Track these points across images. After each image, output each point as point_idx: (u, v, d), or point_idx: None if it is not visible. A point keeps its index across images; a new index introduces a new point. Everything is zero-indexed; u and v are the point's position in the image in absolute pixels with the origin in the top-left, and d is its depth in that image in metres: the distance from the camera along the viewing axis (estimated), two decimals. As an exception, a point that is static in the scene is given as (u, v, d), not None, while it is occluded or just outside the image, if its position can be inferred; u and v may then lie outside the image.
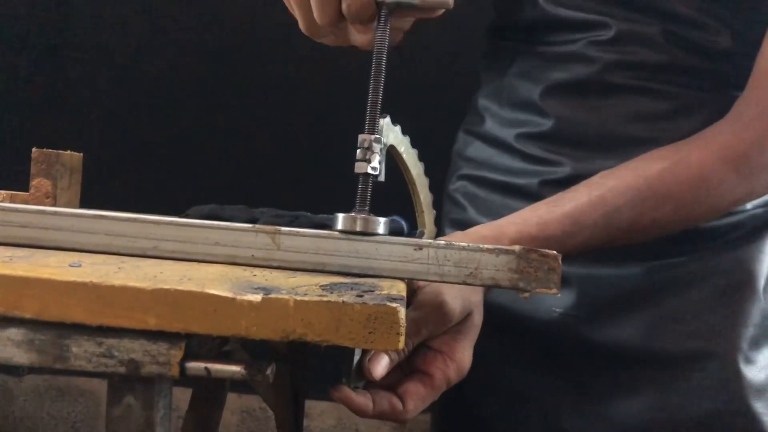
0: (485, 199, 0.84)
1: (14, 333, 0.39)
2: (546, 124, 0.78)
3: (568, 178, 0.75)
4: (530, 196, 0.77)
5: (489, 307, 0.63)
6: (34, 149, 0.67)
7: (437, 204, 0.71)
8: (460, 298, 0.58)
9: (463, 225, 0.82)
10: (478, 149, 0.88)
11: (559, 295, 0.49)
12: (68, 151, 0.69)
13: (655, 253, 0.75)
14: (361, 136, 0.51)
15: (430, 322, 0.57)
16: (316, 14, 0.52)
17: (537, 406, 0.78)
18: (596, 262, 0.75)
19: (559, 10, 0.78)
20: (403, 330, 0.38)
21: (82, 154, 0.72)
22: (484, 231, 0.65)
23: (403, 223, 0.69)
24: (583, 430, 0.76)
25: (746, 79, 0.70)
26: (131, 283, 0.38)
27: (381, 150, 0.51)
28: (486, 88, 0.89)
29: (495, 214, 0.77)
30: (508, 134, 0.82)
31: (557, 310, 0.76)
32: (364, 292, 0.40)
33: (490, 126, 0.86)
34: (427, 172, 0.61)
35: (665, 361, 0.74)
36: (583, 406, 0.76)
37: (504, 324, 0.76)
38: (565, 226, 0.64)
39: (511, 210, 0.72)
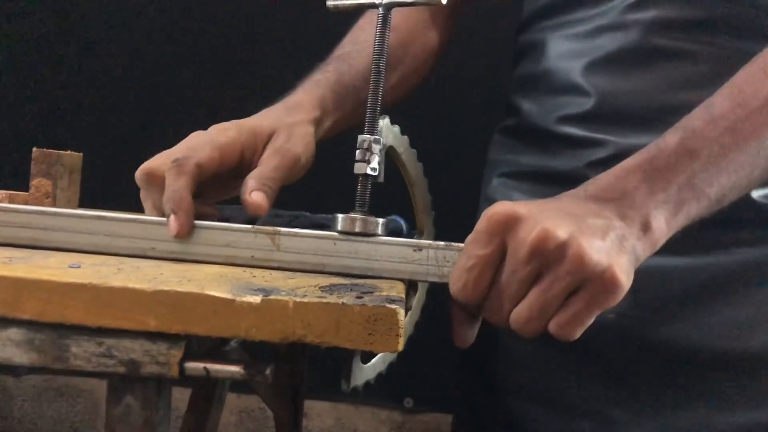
0: (529, 191, 0.79)
1: (14, 333, 0.39)
2: (588, 102, 0.74)
3: (614, 157, 0.67)
4: (576, 180, 0.72)
5: None
6: (34, 149, 0.67)
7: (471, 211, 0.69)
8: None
9: None
10: (515, 146, 0.84)
11: None
12: (68, 151, 0.69)
13: (729, 242, 0.69)
14: (360, 137, 0.51)
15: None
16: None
17: (588, 418, 0.71)
18: (657, 252, 0.72)
19: None
20: (402, 331, 0.38)
21: (81, 154, 0.72)
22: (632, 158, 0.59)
23: (402, 223, 0.69)
24: None
25: None
26: (131, 285, 0.38)
27: (380, 151, 0.52)
28: (519, 83, 0.86)
29: None
30: (548, 120, 0.78)
31: (611, 315, 0.68)
32: (364, 293, 0.40)
33: (528, 116, 0.82)
34: (426, 173, 0.61)
35: (738, 367, 0.67)
36: (641, 419, 0.69)
37: None
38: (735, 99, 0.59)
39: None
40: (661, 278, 0.69)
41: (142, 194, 0.60)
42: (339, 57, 0.76)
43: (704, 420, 0.68)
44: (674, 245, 0.67)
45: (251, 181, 0.60)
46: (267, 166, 0.62)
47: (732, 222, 0.67)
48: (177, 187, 0.55)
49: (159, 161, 0.59)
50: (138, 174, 0.60)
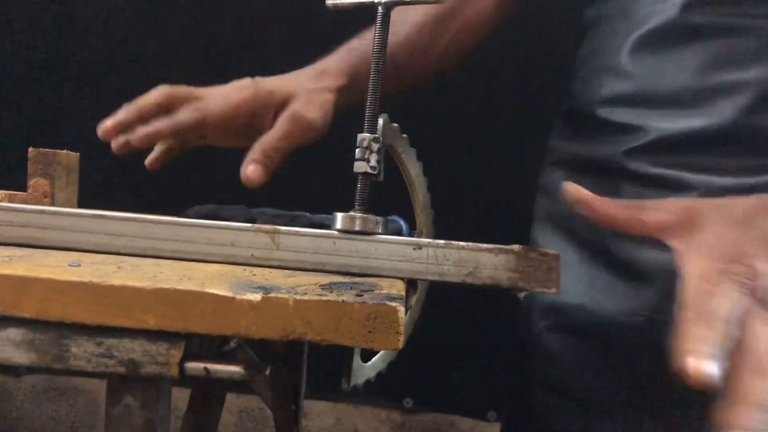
0: (571, 180, 0.77)
1: (14, 333, 0.39)
2: (629, 84, 0.70)
3: (653, 144, 0.66)
4: (614, 170, 0.69)
5: (565, 308, 0.60)
6: (30, 149, 0.67)
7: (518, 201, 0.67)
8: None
9: (553, 218, 0.76)
10: (562, 131, 0.81)
11: (556, 292, 0.47)
12: (65, 151, 0.69)
13: None
14: (359, 136, 0.51)
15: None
16: None
17: (615, 419, 0.69)
18: None
19: None
20: (402, 329, 0.38)
21: (78, 153, 0.71)
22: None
23: (402, 223, 0.69)
24: None
25: None
26: (131, 283, 0.38)
27: (380, 149, 0.51)
28: (577, 63, 0.82)
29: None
30: (590, 103, 0.74)
31: (642, 314, 0.66)
32: (364, 291, 0.40)
33: (576, 98, 0.79)
34: (426, 172, 0.61)
35: None
36: (670, 427, 0.66)
37: (581, 326, 0.69)
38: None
39: (600, 191, 0.68)
40: None
41: (141, 100, 0.67)
42: None
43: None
44: None
45: (253, 152, 0.61)
46: (275, 134, 0.63)
47: None
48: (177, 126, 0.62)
49: (182, 93, 0.66)
50: (162, 88, 0.66)
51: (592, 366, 0.71)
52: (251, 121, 0.65)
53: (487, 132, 0.93)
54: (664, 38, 0.69)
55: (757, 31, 0.66)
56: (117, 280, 0.38)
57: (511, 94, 1.25)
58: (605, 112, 0.72)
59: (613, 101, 0.72)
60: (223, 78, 0.72)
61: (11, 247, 0.49)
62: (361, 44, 0.73)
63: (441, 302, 0.70)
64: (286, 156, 0.64)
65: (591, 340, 0.70)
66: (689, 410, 0.65)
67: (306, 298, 0.38)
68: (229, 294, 0.38)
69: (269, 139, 0.64)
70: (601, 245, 0.70)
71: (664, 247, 0.60)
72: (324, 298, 0.38)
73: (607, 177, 0.69)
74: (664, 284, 0.66)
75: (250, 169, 0.62)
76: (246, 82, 0.66)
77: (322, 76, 0.69)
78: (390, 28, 0.59)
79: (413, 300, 0.62)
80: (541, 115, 0.91)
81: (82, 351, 0.38)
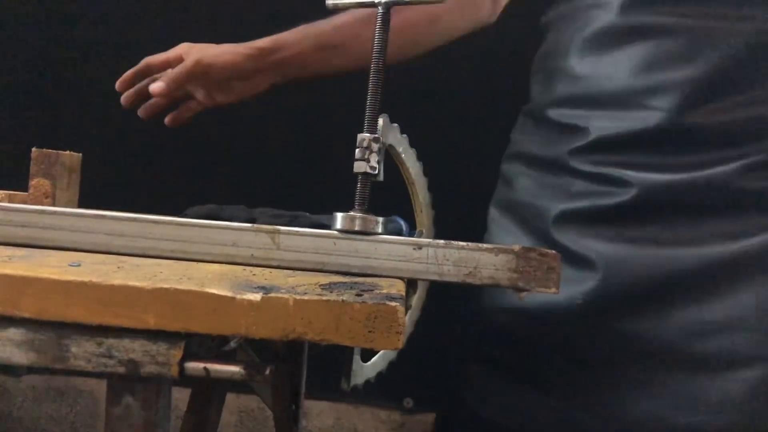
0: (527, 176, 0.80)
1: (14, 333, 0.39)
2: (575, 86, 0.74)
3: (594, 144, 0.70)
4: (562, 168, 0.73)
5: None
6: (33, 149, 0.67)
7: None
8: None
9: (508, 204, 0.81)
10: (521, 127, 0.86)
11: (555, 292, 0.48)
12: (67, 152, 0.69)
13: (705, 235, 0.67)
14: (360, 136, 0.51)
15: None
16: None
17: (547, 394, 0.72)
18: (631, 242, 0.68)
19: None
20: (403, 329, 0.38)
21: (81, 154, 0.71)
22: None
23: (403, 223, 0.69)
24: (592, 428, 0.70)
25: None
26: (131, 283, 0.38)
27: (380, 149, 0.51)
28: (534, 64, 0.86)
29: (533, 194, 0.76)
30: (542, 104, 0.79)
31: (581, 299, 0.69)
32: (364, 291, 0.40)
33: (534, 100, 0.83)
34: (426, 172, 0.61)
35: (695, 368, 0.66)
36: (595, 403, 0.70)
37: (525, 307, 0.72)
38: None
39: (546, 188, 0.73)
40: (629, 268, 0.68)
41: (161, 56, 0.85)
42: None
43: (655, 414, 0.67)
44: (644, 234, 0.67)
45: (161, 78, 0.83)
46: (177, 69, 0.81)
47: (709, 210, 0.66)
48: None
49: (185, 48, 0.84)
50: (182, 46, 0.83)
51: (531, 343, 0.74)
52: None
53: (487, 130, 0.94)
54: (605, 40, 0.72)
55: (686, 32, 0.68)
56: (117, 280, 0.38)
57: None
58: (555, 114, 0.76)
59: (561, 103, 0.76)
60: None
61: (12, 247, 0.49)
62: (312, 25, 0.83)
63: (441, 301, 0.70)
64: (181, 85, 0.81)
65: (532, 320, 0.73)
66: (619, 392, 0.68)
67: (306, 297, 0.38)
68: (229, 294, 0.38)
69: (173, 72, 0.81)
70: (547, 233, 0.74)
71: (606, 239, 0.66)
72: (324, 297, 0.38)
73: (558, 174, 0.74)
74: (602, 272, 0.68)
75: (155, 85, 0.81)
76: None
77: (250, 44, 0.82)
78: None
79: (413, 299, 0.62)
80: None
81: (82, 351, 0.38)
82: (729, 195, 0.66)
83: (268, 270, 0.47)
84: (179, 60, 0.83)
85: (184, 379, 0.38)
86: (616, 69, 0.71)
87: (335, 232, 0.50)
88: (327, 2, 0.57)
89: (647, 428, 0.67)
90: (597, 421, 0.69)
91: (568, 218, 0.72)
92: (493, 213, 0.84)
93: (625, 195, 0.68)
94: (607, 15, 0.72)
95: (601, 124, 0.71)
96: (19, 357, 0.39)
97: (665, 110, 0.67)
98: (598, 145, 0.70)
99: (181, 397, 0.71)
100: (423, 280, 0.56)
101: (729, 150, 0.66)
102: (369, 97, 0.52)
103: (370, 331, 0.37)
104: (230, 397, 1.29)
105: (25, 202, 0.65)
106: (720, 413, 0.65)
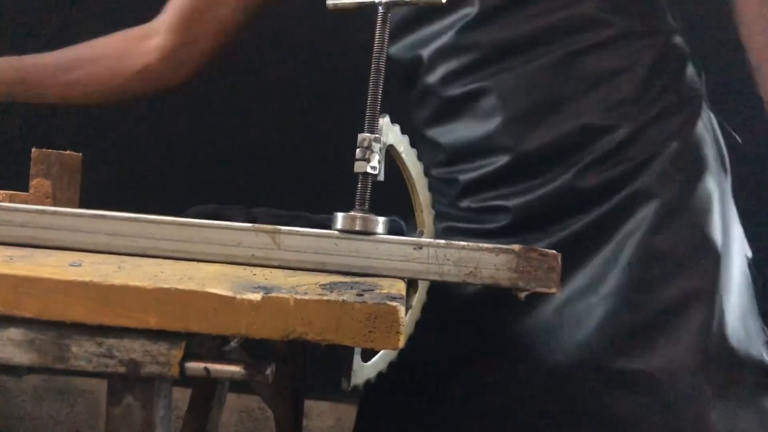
0: (446, 193, 0.81)
1: (14, 333, 0.39)
2: (437, 153, 0.79)
3: (464, 189, 0.76)
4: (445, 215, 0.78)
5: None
6: (33, 149, 0.67)
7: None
8: None
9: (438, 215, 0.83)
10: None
11: (559, 294, 0.49)
12: (68, 152, 0.69)
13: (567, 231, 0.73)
14: (360, 136, 0.51)
15: None
16: None
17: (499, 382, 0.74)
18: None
19: None
20: (403, 329, 0.38)
21: (81, 154, 0.72)
22: None
23: (403, 224, 0.69)
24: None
25: None
26: (131, 283, 0.38)
27: (380, 149, 0.51)
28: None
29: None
30: (428, 168, 0.81)
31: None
32: (364, 291, 0.41)
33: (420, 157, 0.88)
34: (426, 172, 0.61)
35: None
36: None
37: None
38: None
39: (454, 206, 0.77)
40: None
41: None
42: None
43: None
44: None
45: None
46: None
47: (565, 212, 0.72)
48: None
49: None
50: None
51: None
52: None
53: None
54: (442, 117, 0.79)
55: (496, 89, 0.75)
56: (118, 280, 0.38)
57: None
58: (435, 173, 0.81)
59: (437, 165, 0.81)
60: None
61: (12, 247, 0.49)
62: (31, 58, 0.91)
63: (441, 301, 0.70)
64: None
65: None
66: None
67: (306, 297, 0.38)
68: (230, 294, 0.38)
69: None
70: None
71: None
72: (324, 297, 0.38)
73: (470, 196, 0.79)
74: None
75: None
76: None
77: None
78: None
79: (414, 299, 0.62)
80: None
81: (82, 351, 0.38)
82: (575, 195, 0.72)
83: (268, 270, 0.48)
84: None
85: (185, 379, 0.38)
86: (460, 134, 0.77)
87: (336, 232, 0.50)
88: (327, 2, 0.57)
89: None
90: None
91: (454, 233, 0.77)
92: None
93: (504, 220, 0.74)
94: (436, 99, 0.78)
95: (464, 176, 0.77)
96: (20, 357, 0.39)
97: (507, 153, 0.74)
98: (467, 189, 0.76)
99: (181, 397, 0.71)
100: (423, 279, 0.56)
101: (563, 161, 0.73)
102: (369, 97, 0.52)
103: (370, 331, 0.37)
104: (230, 397, 1.29)
105: (25, 203, 0.65)
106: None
